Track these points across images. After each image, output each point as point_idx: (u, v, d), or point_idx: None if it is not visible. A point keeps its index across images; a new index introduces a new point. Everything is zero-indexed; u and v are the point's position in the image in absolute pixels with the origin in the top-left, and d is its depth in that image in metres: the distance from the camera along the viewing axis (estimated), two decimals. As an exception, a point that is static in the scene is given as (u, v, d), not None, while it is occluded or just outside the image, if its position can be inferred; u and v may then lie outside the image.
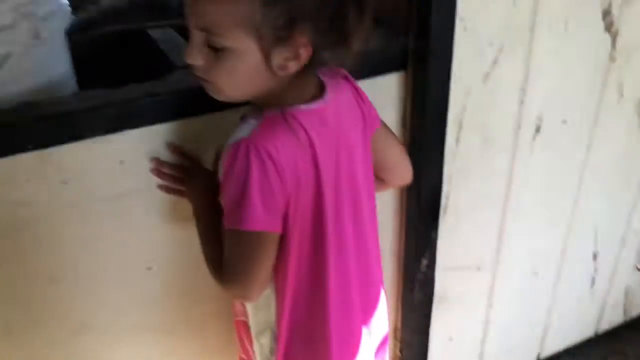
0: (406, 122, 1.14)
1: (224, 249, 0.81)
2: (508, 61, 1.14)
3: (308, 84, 0.81)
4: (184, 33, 0.94)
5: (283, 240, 0.82)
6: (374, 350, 1.04)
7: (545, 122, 1.26)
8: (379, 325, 1.03)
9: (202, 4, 0.72)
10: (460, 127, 1.17)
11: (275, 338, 0.92)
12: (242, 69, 0.75)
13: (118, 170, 0.96)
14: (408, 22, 1.07)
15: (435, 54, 1.07)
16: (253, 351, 1.01)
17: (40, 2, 0.97)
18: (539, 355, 1.72)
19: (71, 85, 1.08)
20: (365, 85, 0.93)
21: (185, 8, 0.74)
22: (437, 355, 1.48)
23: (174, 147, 0.97)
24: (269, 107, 0.79)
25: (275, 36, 0.73)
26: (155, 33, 1.31)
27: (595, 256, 1.60)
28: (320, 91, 0.83)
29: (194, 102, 0.95)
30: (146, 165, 0.97)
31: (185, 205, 0.96)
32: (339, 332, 0.93)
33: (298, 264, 0.85)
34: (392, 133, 1.00)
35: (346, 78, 0.89)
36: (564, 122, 1.29)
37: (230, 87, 0.78)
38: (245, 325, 1.00)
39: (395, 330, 1.42)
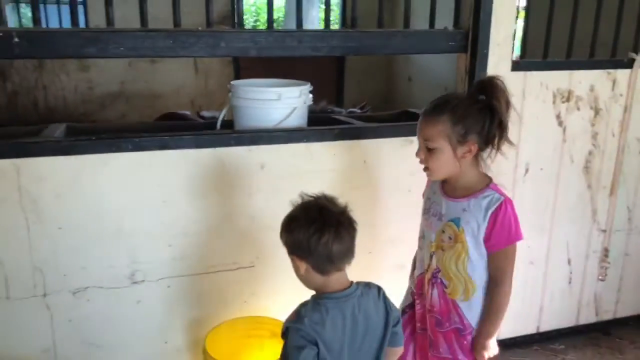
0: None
1: (501, 267, 1.63)
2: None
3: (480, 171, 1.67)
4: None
5: None
6: None
7: (531, 168, 2.49)
8: None
9: (424, 128, 1.60)
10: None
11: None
12: (442, 160, 1.59)
13: (302, 158, 2.24)
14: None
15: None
16: (462, 346, 1.70)
17: (307, 92, 2.34)
18: (538, 327, 2.73)
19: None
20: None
21: (417, 129, 1.64)
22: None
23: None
24: (483, 185, 1.65)
25: (457, 140, 1.56)
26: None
27: (569, 261, 2.69)
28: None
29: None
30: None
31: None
32: None
33: None
34: None
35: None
36: (541, 169, 2.51)
37: (438, 171, 1.63)
38: (457, 331, 1.71)
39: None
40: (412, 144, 2.33)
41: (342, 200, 1.49)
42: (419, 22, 2.41)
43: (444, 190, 1.71)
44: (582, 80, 2.46)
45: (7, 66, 4.98)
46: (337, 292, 1.45)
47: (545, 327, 2.75)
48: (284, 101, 2.23)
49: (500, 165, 2.41)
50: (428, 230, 1.75)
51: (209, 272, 2.20)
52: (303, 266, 1.43)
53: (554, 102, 2.45)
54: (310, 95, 2.39)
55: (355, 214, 2.31)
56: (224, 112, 2.38)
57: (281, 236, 1.47)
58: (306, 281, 1.47)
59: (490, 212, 1.59)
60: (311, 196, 1.47)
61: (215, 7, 2.11)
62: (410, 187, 2.36)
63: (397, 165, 2.33)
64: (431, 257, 1.74)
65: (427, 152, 1.61)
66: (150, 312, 2.16)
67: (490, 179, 1.68)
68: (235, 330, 2.19)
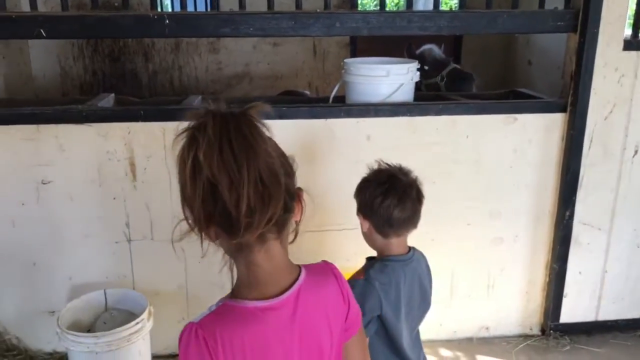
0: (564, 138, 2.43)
1: None
2: (619, 112, 2.40)
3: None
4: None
5: None
6: None
7: (640, 149, 2.46)
8: None
9: None
10: (590, 142, 2.42)
11: None
12: None
13: (405, 132, 2.38)
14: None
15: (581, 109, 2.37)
16: None
17: (414, 69, 2.49)
18: (642, 313, 2.69)
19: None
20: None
21: None
22: (570, 282, 2.58)
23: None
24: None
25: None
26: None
27: (681, 247, 2.61)
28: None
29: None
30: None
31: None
32: None
33: None
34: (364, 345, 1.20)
35: (335, 277, 1.08)
36: (651, 151, 2.47)
37: None
38: None
39: (547, 260, 2.57)
40: (515, 121, 2.41)
41: (415, 174, 1.57)
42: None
43: None
44: None
45: (149, 49, 5.59)
46: (400, 255, 1.55)
47: (651, 312, 2.70)
48: (391, 77, 2.41)
49: (608, 146, 2.45)
50: None
51: (317, 230, 2.45)
52: (366, 225, 1.55)
53: (670, 83, 2.39)
54: (418, 73, 2.54)
55: (455, 186, 2.48)
56: (336, 87, 2.60)
57: (354, 195, 1.59)
58: (369, 240, 1.59)
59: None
60: (387, 164, 1.58)
61: (334, -8, 2.34)
62: (512, 164, 2.46)
63: (499, 141, 2.42)
64: None
65: None
66: (265, 262, 2.46)
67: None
68: (338, 284, 2.43)
